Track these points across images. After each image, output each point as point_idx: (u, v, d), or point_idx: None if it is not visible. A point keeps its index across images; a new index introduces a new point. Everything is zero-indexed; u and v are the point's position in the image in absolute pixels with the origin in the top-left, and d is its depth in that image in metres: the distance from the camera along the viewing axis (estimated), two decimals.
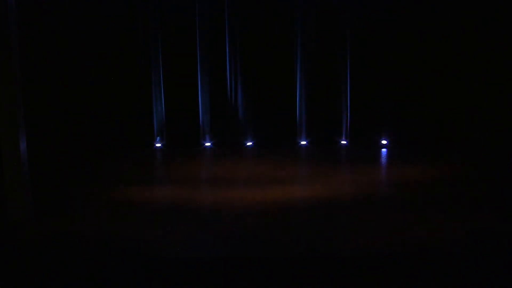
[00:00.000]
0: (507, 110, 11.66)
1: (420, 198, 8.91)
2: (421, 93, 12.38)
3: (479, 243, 6.93)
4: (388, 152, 12.39)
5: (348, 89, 12.67)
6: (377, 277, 6.08)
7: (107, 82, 12.41)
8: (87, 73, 12.36)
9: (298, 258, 6.70)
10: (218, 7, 12.46)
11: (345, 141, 12.86)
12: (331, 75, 12.65)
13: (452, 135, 12.28)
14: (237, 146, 12.56)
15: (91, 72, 12.36)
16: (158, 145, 12.82)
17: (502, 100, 11.73)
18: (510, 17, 11.60)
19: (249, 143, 12.69)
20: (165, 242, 7.25)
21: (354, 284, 5.98)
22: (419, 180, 9.93)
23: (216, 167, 11.34)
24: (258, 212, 8.33)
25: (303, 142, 12.84)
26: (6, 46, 7.73)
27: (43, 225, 7.85)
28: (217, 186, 9.87)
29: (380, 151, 12.42)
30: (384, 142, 12.66)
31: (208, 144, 12.71)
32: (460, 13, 12.02)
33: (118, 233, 7.53)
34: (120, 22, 12.40)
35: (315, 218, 8.09)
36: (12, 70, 7.79)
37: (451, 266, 6.28)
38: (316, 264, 6.44)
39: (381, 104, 12.55)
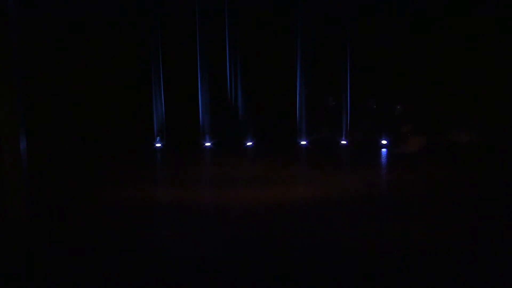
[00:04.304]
0: (507, 110, 11.67)
1: (420, 198, 8.90)
2: (421, 93, 12.39)
3: (479, 243, 6.93)
4: (387, 152, 12.39)
5: (348, 89, 12.68)
6: (377, 277, 6.08)
7: (107, 82, 12.42)
8: (87, 73, 12.37)
9: (298, 258, 6.70)
10: (218, 7, 12.48)
11: (345, 141, 12.88)
12: (331, 75, 12.67)
13: (451, 136, 12.29)
14: (237, 146, 12.57)
15: (91, 72, 12.38)
16: (158, 145, 12.83)
17: (502, 100, 11.74)
18: (510, 17, 11.61)
19: (249, 143, 12.70)
20: (166, 242, 7.24)
21: (354, 284, 5.98)
22: (419, 180, 9.94)
23: (216, 167, 11.34)
24: (258, 212, 8.33)
25: (303, 142, 12.85)
26: (6, 46, 7.73)
27: (43, 225, 7.85)
28: (217, 186, 9.87)
29: (380, 151, 12.42)
30: (384, 142, 12.67)
31: (208, 144, 12.71)
32: (459, 13, 12.03)
33: (118, 233, 7.53)
34: (120, 22, 12.41)
35: (315, 218, 8.08)
36: (12, 70, 7.79)
37: (451, 266, 6.29)
38: (316, 264, 6.44)
39: (381, 105, 12.57)
